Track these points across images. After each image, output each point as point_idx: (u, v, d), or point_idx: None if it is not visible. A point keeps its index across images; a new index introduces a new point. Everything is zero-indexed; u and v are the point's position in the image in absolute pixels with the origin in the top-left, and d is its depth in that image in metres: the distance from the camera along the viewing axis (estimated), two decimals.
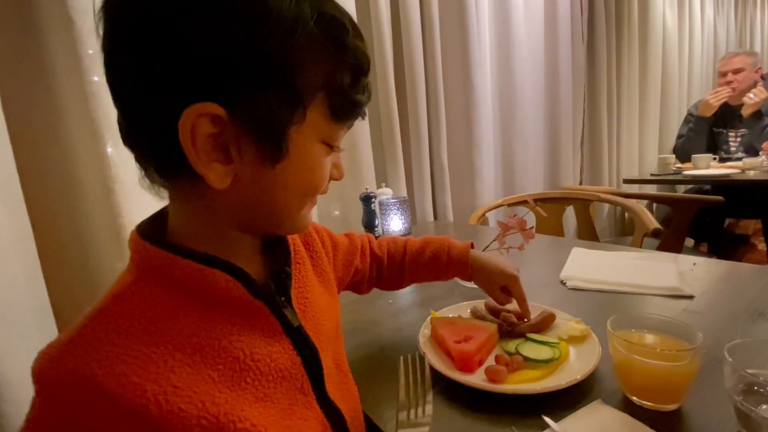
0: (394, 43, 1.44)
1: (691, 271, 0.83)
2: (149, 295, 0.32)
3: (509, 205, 1.68)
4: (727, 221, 2.81)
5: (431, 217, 1.62)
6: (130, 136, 0.33)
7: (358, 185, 1.33)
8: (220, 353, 0.32)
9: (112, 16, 0.30)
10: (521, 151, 1.90)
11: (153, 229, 0.36)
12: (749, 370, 0.39)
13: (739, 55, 2.26)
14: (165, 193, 0.36)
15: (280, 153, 0.33)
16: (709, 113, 2.27)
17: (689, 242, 2.36)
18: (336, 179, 0.41)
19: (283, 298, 0.40)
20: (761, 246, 2.67)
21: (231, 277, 0.34)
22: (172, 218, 0.36)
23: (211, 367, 0.32)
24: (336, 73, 0.34)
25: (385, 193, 1.29)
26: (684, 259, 0.89)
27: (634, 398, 0.46)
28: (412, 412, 0.38)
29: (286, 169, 0.34)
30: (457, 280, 0.86)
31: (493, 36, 1.78)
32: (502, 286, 0.64)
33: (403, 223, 1.20)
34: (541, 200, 1.71)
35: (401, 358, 0.41)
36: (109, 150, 0.83)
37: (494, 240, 0.85)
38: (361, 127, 1.32)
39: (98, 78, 0.82)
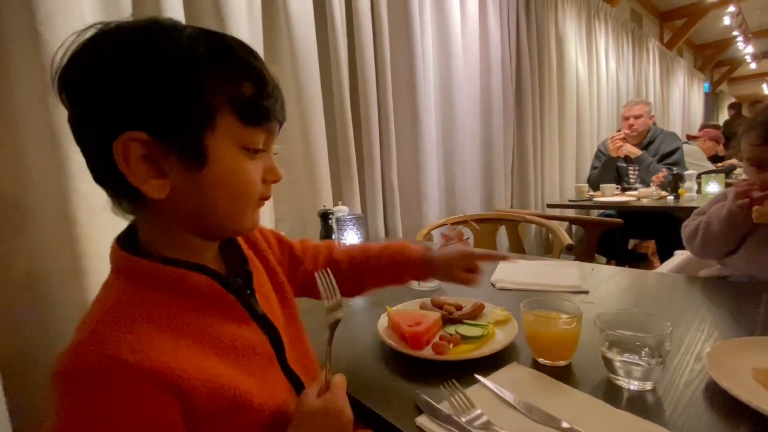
0: (351, 79, 1.61)
1: (590, 273, 1.04)
2: (142, 296, 0.39)
3: (451, 224, 1.88)
4: (633, 242, 3.28)
5: (383, 234, 1.77)
6: (94, 176, 0.41)
7: (316, 202, 1.44)
8: (206, 337, 0.40)
9: (66, 82, 0.38)
10: (461, 178, 2.14)
11: (128, 241, 0.43)
12: (610, 331, 0.56)
13: (639, 104, 2.68)
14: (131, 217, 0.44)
15: (201, 160, 0.39)
16: (616, 154, 2.69)
17: (602, 259, 2.73)
18: (273, 181, 0.46)
19: (248, 291, 0.49)
20: (657, 264, 3.14)
21: (208, 277, 0.42)
22: (141, 233, 0.43)
23: (205, 348, 0.40)
24: (235, 87, 0.40)
25: (342, 211, 1.41)
26: (585, 266, 1.11)
27: (540, 359, 0.62)
28: (331, 300, 0.53)
29: (211, 175, 0.39)
30: (412, 282, 0.99)
31: (437, 76, 2.03)
32: (464, 268, 0.66)
33: (358, 238, 1.32)
34: (478, 221, 1.93)
35: (316, 273, 0.55)
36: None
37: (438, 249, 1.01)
38: (320, 150, 1.45)
39: None
